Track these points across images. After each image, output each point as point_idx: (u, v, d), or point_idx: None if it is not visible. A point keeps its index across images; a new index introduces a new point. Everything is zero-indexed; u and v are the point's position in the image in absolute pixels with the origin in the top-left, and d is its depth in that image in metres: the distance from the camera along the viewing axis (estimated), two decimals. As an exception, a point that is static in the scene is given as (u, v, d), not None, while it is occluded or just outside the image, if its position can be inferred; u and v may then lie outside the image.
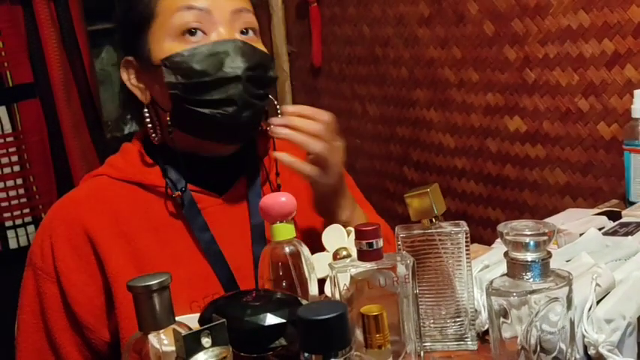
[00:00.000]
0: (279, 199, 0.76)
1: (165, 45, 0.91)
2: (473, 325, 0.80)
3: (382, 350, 0.65)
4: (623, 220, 1.02)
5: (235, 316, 0.65)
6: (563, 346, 0.66)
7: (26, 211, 2.01)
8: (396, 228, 0.80)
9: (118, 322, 0.87)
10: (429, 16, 1.74)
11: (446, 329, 0.81)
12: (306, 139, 0.93)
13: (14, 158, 1.99)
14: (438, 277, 0.80)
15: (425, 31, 1.76)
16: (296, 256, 0.76)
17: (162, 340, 0.60)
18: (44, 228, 0.92)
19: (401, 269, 0.72)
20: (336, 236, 0.88)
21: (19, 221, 2.00)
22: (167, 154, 0.95)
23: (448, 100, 1.74)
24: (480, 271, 0.85)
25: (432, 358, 0.80)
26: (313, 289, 0.77)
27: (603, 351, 0.69)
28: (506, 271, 0.66)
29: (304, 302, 0.69)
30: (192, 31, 0.90)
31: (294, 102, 2.31)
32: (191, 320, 0.66)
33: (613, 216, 1.06)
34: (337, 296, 0.72)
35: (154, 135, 0.94)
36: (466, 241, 0.79)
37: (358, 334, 0.67)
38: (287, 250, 0.76)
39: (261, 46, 0.95)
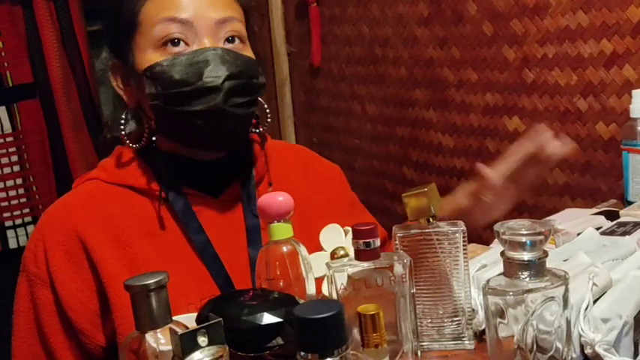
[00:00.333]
0: (277, 199, 0.76)
1: (147, 55, 0.90)
2: (470, 324, 0.80)
3: (379, 349, 0.65)
4: (621, 219, 1.02)
5: (232, 315, 0.65)
6: (559, 346, 0.66)
7: (26, 210, 2.02)
8: (394, 227, 0.80)
9: (115, 326, 0.87)
10: (428, 16, 1.74)
11: (443, 328, 0.81)
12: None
13: (14, 158, 1.99)
14: (435, 277, 0.80)
15: (424, 31, 1.76)
16: (293, 255, 0.76)
17: (159, 340, 0.60)
18: (37, 233, 0.92)
19: (398, 268, 0.72)
20: (334, 236, 0.89)
21: (18, 221, 2.01)
22: (160, 157, 0.94)
23: (447, 100, 1.74)
24: (477, 271, 0.85)
25: (430, 357, 0.80)
26: (311, 289, 0.77)
27: (600, 350, 0.69)
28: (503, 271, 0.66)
29: (301, 301, 0.70)
30: (174, 42, 0.89)
31: (294, 102, 2.31)
32: (188, 320, 0.66)
33: (611, 216, 1.06)
34: (334, 295, 0.72)
35: (144, 140, 0.93)
36: (463, 241, 0.79)
37: (355, 333, 0.68)
38: (284, 249, 0.76)
39: (247, 53, 0.93)
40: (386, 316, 0.68)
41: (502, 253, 0.66)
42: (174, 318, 0.63)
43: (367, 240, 0.71)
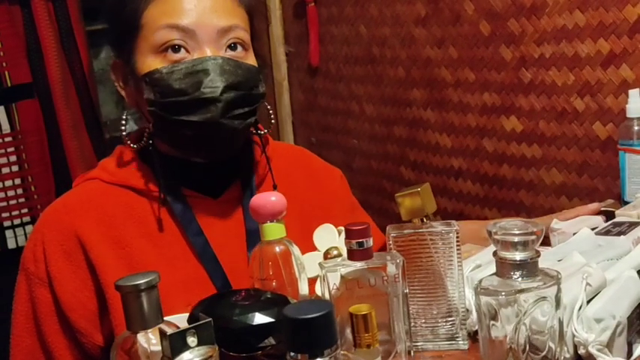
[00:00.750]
0: (270, 199, 0.76)
1: (147, 60, 0.89)
2: (464, 324, 0.80)
3: (371, 349, 0.65)
4: (617, 219, 1.02)
5: (224, 315, 0.65)
6: (552, 346, 0.66)
7: (25, 211, 2.01)
8: (387, 227, 0.80)
9: (113, 326, 0.87)
10: (425, 15, 1.74)
11: (437, 329, 0.81)
12: None
13: (13, 158, 1.99)
14: (429, 277, 0.80)
15: (421, 31, 1.76)
16: (286, 255, 0.76)
17: (150, 340, 0.60)
18: (36, 233, 0.92)
19: (391, 268, 0.72)
20: (328, 236, 0.88)
21: (17, 221, 2.01)
22: (156, 158, 0.94)
23: (445, 100, 1.74)
24: (471, 271, 0.85)
25: (423, 357, 0.80)
26: (304, 289, 0.77)
27: (593, 350, 0.69)
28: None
29: (293, 302, 0.69)
30: (175, 48, 0.88)
31: (292, 102, 2.31)
32: (180, 320, 0.66)
33: (607, 216, 1.06)
34: (327, 296, 0.72)
35: (143, 140, 0.93)
36: (457, 241, 0.79)
37: (348, 333, 0.68)
38: (277, 249, 0.76)
39: (249, 60, 0.92)
40: (379, 317, 0.68)
41: (494, 253, 0.66)
42: (166, 318, 0.63)
43: (360, 240, 0.71)
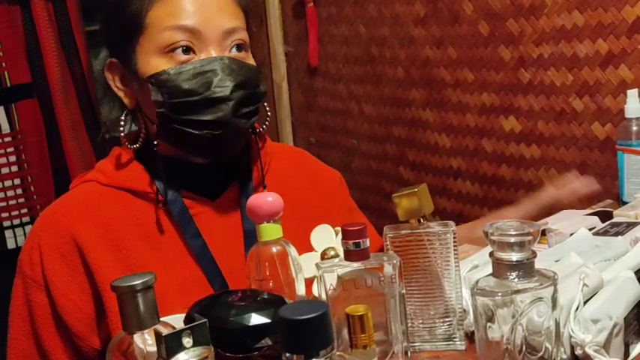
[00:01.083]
0: (266, 199, 0.76)
1: (152, 61, 0.89)
2: (461, 325, 0.80)
3: (367, 350, 0.65)
4: (615, 220, 1.02)
5: (220, 316, 0.65)
6: (548, 346, 0.66)
7: (24, 211, 2.02)
8: (384, 228, 0.80)
9: (110, 330, 0.86)
10: (424, 16, 1.74)
11: (434, 329, 0.81)
12: None
13: (12, 158, 2.00)
14: (426, 277, 0.80)
15: (420, 31, 1.76)
16: (283, 256, 0.76)
17: (146, 341, 0.60)
18: (33, 236, 0.91)
19: (387, 269, 0.72)
20: (325, 236, 0.88)
21: (16, 221, 2.01)
22: (157, 159, 0.93)
23: (444, 100, 1.74)
24: (469, 271, 0.85)
25: (420, 357, 0.80)
26: (300, 289, 0.77)
27: (590, 351, 0.69)
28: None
29: (289, 302, 0.69)
30: (184, 49, 0.88)
31: (291, 102, 2.31)
32: (176, 321, 0.66)
33: (605, 216, 1.06)
34: (324, 296, 0.72)
35: (140, 140, 0.93)
36: (454, 241, 0.79)
37: (345, 334, 0.67)
38: (274, 249, 0.76)
39: (250, 61, 0.93)
40: (376, 317, 0.68)
41: (491, 254, 0.66)
42: (162, 319, 0.63)
43: (357, 240, 0.71)
